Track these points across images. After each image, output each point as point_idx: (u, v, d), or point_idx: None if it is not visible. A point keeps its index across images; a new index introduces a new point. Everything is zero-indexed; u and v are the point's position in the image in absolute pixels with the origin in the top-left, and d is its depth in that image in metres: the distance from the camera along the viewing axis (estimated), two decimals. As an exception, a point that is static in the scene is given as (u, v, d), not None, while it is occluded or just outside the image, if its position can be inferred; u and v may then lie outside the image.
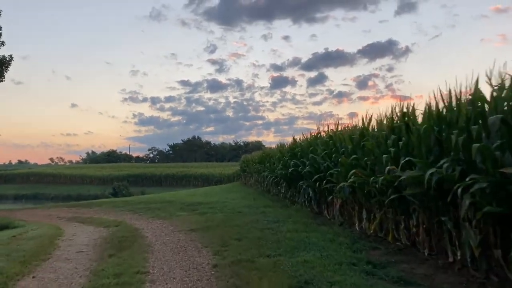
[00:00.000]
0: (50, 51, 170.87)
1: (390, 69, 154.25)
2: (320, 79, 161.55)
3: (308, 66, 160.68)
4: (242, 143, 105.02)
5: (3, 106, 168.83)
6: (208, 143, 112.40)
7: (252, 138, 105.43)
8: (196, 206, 12.89)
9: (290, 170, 10.79)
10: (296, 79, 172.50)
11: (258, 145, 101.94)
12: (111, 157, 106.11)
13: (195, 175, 53.61)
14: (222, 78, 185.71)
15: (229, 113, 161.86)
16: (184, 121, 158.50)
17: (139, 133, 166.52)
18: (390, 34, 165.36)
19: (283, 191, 12.10)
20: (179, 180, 54.08)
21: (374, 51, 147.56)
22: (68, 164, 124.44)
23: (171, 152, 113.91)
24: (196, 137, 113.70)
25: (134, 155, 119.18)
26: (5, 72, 13.73)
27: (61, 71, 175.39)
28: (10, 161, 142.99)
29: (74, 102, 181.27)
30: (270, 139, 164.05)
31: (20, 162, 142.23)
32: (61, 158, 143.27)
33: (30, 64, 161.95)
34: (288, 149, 11.91)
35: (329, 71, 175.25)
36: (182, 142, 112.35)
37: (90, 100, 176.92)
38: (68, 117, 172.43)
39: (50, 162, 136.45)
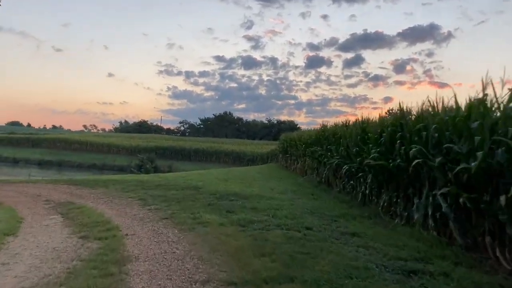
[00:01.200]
0: (90, 19, 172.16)
1: (429, 54, 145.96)
2: (357, 61, 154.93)
3: (345, 47, 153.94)
4: (275, 121, 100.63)
5: (43, 72, 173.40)
6: (239, 119, 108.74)
7: (283, 118, 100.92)
8: (232, 201, 8.91)
9: (397, 160, 6.47)
10: (332, 60, 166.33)
11: (291, 125, 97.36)
12: (142, 127, 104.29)
13: (226, 152, 49.97)
14: (257, 55, 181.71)
15: (262, 91, 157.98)
16: (217, 97, 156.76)
17: (172, 106, 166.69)
18: (433, 18, 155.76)
19: (368, 192, 7.84)
20: (209, 156, 50.63)
21: (414, 34, 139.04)
22: (101, 132, 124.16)
23: (202, 126, 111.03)
24: (228, 112, 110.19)
25: (165, 127, 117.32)
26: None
27: (100, 40, 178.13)
28: (45, 125, 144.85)
29: (111, 72, 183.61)
30: (301, 120, 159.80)
31: (54, 127, 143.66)
32: (94, 125, 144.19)
33: (70, 32, 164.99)
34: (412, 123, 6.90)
35: (366, 53, 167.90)
36: (213, 116, 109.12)
37: (126, 70, 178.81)
38: (104, 86, 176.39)
39: (83, 129, 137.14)
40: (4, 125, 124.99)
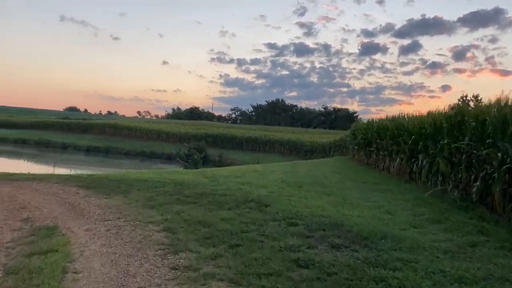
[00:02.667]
0: (145, 8, 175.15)
1: (493, 40, 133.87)
2: (414, 47, 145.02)
3: (401, 33, 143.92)
4: (332, 109, 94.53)
5: (101, 60, 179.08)
6: (293, 106, 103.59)
7: (335, 105, 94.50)
8: (351, 258, 4.46)
9: None
10: (387, 47, 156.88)
11: (348, 113, 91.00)
12: (194, 114, 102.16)
13: (281, 141, 45.50)
14: (309, 42, 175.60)
15: (314, 78, 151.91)
16: (268, 85, 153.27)
17: (223, 93, 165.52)
18: (497, 2, 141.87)
19: None
20: (262, 145, 46.42)
21: (476, 19, 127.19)
22: (154, 118, 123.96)
23: (253, 113, 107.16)
24: (280, 100, 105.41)
25: (217, 114, 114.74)
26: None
27: (154, 29, 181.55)
28: (101, 111, 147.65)
29: (165, 60, 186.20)
30: (354, 108, 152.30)
31: (109, 113, 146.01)
32: (147, 112, 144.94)
33: (126, 21, 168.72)
34: None
35: (424, 40, 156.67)
36: (266, 103, 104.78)
37: (180, 58, 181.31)
38: (159, 73, 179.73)
39: (137, 115, 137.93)
40: (62, 110, 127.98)
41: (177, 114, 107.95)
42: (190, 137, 49.15)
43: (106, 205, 7.38)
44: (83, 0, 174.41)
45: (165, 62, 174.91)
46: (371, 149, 15.88)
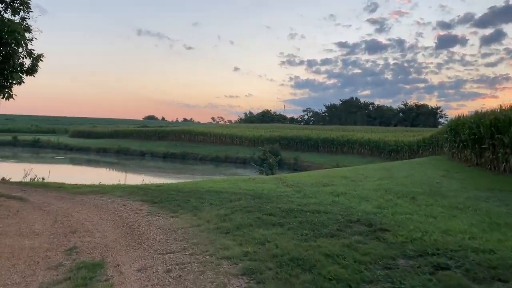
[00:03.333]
0: (217, 17, 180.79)
1: None
2: (497, 37, 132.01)
3: (482, 22, 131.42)
4: (413, 106, 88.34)
5: (176, 69, 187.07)
6: (370, 104, 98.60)
7: (411, 103, 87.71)
8: None
9: None
10: (466, 38, 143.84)
11: (429, 109, 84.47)
12: (265, 117, 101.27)
13: (360, 141, 42.43)
14: (381, 39, 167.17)
15: (388, 75, 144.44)
16: (339, 84, 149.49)
17: (294, 96, 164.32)
18: None
19: None
20: (340, 146, 43.67)
21: None
22: (228, 123, 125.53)
23: (326, 114, 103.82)
24: (355, 98, 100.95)
25: (288, 116, 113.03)
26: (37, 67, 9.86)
27: (226, 36, 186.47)
28: (177, 118, 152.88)
29: (236, 66, 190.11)
30: (432, 104, 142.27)
31: (185, 120, 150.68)
32: (221, 117, 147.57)
33: (199, 30, 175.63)
34: None
35: (508, 28, 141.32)
36: (340, 102, 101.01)
37: (250, 63, 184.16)
38: (231, 80, 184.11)
39: (211, 121, 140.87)
40: (141, 119, 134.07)
41: (250, 118, 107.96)
42: (263, 140, 47.86)
43: (170, 227, 5.84)
44: (158, 13, 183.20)
45: (236, 68, 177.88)
46: (484, 146, 13.02)
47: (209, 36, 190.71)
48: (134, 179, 20.61)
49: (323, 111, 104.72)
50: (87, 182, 13.03)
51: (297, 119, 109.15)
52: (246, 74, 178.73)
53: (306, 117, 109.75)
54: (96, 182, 13.40)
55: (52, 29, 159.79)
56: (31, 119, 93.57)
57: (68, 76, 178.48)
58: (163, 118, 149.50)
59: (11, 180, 13.65)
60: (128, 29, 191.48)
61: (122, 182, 14.54)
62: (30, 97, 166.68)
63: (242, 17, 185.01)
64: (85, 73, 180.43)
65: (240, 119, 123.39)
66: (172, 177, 31.51)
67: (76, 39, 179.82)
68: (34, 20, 9.93)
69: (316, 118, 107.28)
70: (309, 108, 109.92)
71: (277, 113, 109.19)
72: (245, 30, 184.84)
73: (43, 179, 14.31)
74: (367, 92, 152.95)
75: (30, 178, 14.52)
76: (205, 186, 9.84)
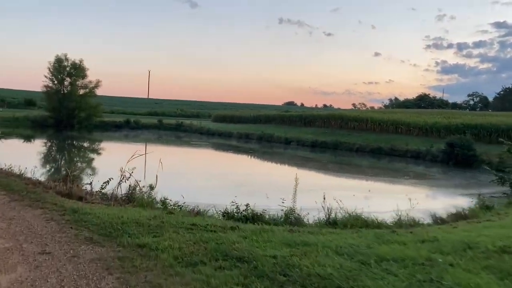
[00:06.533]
0: (358, 2, 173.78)
1: None
2: None
3: None
4: None
5: (314, 56, 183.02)
6: None
7: None
8: None
9: None
10: None
11: None
12: (424, 102, 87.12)
13: None
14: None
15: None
16: (494, 69, 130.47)
17: (440, 82, 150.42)
18: None
19: None
20: None
21: None
22: (370, 109, 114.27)
23: (498, 97, 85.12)
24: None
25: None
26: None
27: (367, 21, 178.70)
28: (316, 104, 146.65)
29: (377, 51, 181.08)
30: None
31: (324, 106, 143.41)
32: (363, 104, 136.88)
33: (339, 16, 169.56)
34: None
35: None
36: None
37: (392, 48, 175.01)
38: (370, 65, 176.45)
39: (352, 107, 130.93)
40: (281, 105, 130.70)
41: (401, 104, 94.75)
42: (440, 129, 37.24)
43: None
44: (299, 2, 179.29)
45: (377, 54, 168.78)
46: None
47: (349, 21, 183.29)
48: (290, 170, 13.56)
49: (499, 92, 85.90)
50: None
51: (461, 104, 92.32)
52: (387, 60, 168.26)
53: (471, 102, 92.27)
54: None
55: (199, 22, 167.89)
56: (177, 103, 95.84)
57: (211, 63, 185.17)
58: (302, 104, 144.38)
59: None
60: (270, 18, 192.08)
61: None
62: (177, 83, 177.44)
63: (385, 0, 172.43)
64: (226, 60, 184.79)
65: (385, 105, 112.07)
66: (332, 174, 24.19)
67: (221, 30, 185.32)
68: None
69: (483, 104, 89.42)
70: (476, 92, 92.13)
71: (437, 97, 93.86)
72: (388, 13, 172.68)
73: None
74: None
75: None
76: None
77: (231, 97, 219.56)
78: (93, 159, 26.88)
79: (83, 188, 9.40)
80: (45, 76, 48.79)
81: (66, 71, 49.05)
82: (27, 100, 66.96)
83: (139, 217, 5.25)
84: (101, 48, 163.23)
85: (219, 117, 65.87)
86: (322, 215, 8.82)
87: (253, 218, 7.44)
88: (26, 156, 24.62)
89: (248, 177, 19.60)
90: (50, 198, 6.36)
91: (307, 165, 27.47)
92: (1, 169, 10.96)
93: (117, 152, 32.16)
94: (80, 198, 7.16)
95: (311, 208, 9.17)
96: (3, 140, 38.09)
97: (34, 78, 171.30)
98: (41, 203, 5.86)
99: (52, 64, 48.64)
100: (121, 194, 8.59)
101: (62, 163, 23.86)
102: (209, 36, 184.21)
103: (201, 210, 8.26)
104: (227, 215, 7.75)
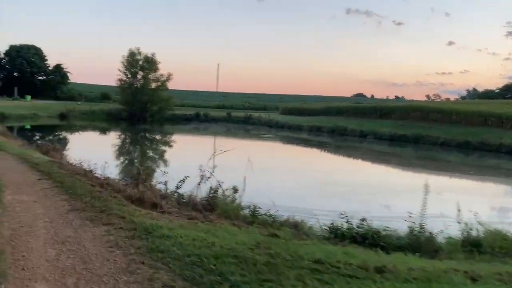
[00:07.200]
0: None
1: None
2: None
3: None
4: None
5: (384, 47, 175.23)
6: None
7: None
8: None
9: None
10: None
11: None
12: (510, 92, 79.05)
13: None
14: None
15: None
16: None
17: None
18: None
19: None
20: None
21: None
22: (444, 101, 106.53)
23: None
24: None
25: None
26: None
27: (440, 8, 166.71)
28: (388, 96, 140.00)
29: (451, 40, 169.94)
30: None
31: (396, 98, 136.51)
32: (437, 95, 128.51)
33: (410, 4, 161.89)
34: None
35: None
36: None
37: (467, 37, 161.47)
38: (444, 55, 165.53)
39: (426, 99, 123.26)
40: (350, 96, 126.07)
41: (485, 94, 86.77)
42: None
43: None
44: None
45: (451, 43, 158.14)
46: None
47: (420, 9, 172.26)
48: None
49: None
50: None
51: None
52: (462, 49, 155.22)
53: None
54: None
55: (266, 15, 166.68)
56: (244, 96, 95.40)
57: (278, 56, 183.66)
58: (372, 96, 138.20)
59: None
60: (337, 9, 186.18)
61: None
62: (244, 76, 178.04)
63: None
64: (293, 53, 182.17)
65: (461, 97, 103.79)
66: (425, 171, 21.40)
67: (287, 23, 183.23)
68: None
69: None
70: None
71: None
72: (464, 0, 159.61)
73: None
74: None
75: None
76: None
77: (298, 90, 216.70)
78: (165, 152, 26.28)
79: (156, 187, 8.09)
80: (119, 70, 49.97)
81: (139, 65, 49.87)
82: (103, 94, 69.57)
83: (236, 245, 3.65)
84: (170, 43, 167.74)
85: (287, 110, 64.07)
86: (453, 231, 6.71)
87: (373, 238, 5.57)
88: (99, 149, 24.61)
89: (329, 174, 17.58)
90: (118, 207, 4.99)
91: (391, 161, 24.85)
92: (71, 164, 10.05)
93: (189, 146, 31.63)
94: (153, 205, 5.76)
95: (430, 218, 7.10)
96: (80, 132, 39.49)
97: (110, 73, 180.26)
98: (106, 216, 4.50)
99: (125, 58, 49.66)
100: (201, 199, 7.13)
101: (134, 156, 23.42)
102: (276, 29, 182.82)
103: (299, 220, 6.56)
104: (335, 232, 5.95)
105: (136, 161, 21.81)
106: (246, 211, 6.79)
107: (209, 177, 7.62)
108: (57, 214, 4.62)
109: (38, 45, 68.02)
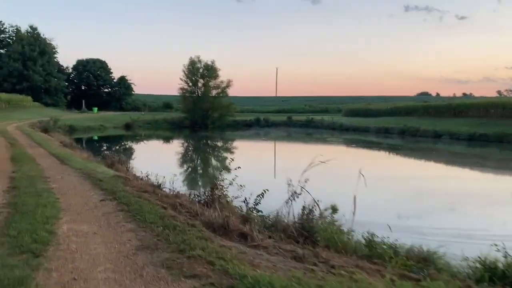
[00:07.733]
0: None
1: None
2: None
3: None
4: None
5: (447, 42, 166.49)
6: None
7: None
8: None
9: None
10: None
11: None
12: None
13: None
14: None
15: None
16: None
17: None
18: None
19: None
20: None
21: None
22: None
23: None
24: None
25: None
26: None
27: None
28: (454, 94, 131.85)
29: None
30: None
31: (464, 95, 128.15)
32: (510, 90, 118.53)
33: None
34: None
35: None
36: None
37: None
38: None
39: (497, 95, 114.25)
40: (414, 95, 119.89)
41: None
42: None
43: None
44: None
45: None
46: None
47: (485, 1, 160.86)
48: None
49: None
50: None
51: None
52: None
53: None
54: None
55: (322, 17, 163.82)
56: (304, 99, 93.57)
57: (336, 58, 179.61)
58: (437, 94, 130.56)
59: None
60: (395, 6, 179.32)
61: None
62: (303, 79, 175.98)
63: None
64: (351, 54, 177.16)
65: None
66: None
67: (344, 24, 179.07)
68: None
69: None
70: None
71: None
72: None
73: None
74: None
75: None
76: None
77: (359, 91, 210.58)
78: (231, 160, 25.19)
79: (232, 205, 6.80)
80: (181, 79, 50.54)
81: (199, 73, 50.04)
82: (165, 103, 71.00)
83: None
84: (228, 50, 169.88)
85: (350, 111, 61.48)
86: None
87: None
88: (164, 158, 24.13)
89: (419, 182, 15.33)
90: (199, 242, 3.68)
91: (485, 164, 21.96)
92: (137, 178, 9.07)
93: (252, 152, 30.53)
94: (242, 235, 4.44)
95: None
96: (145, 141, 39.92)
97: (172, 83, 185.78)
98: (187, 260, 3.17)
99: (186, 67, 50.09)
100: (293, 222, 5.72)
101: (200, 166, 22.57)
102: (332, 31, 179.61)
103: (425, 250, 4.95)
104: (490, 269, 4.26)
105: (199, 169, 20.97)
106: (354, 237, 5.28)
107: (299, 194, 6.20)
108: (122, 256, 3.41)
109: (103, 58, 70.90)
